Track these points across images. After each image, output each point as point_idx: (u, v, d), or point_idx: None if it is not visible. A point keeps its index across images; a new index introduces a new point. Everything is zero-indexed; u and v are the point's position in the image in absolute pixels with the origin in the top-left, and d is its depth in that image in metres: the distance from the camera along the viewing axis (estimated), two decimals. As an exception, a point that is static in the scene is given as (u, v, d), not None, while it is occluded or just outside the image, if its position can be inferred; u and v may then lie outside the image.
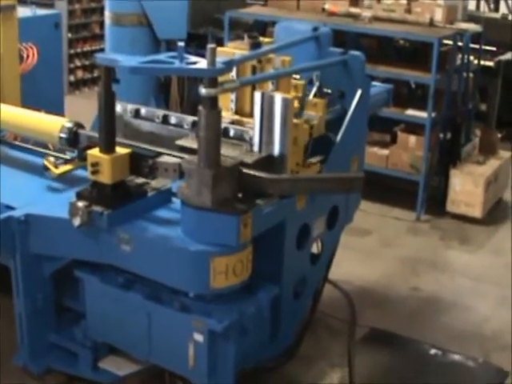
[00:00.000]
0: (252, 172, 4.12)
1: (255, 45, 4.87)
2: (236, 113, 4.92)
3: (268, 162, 4.28)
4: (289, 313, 4.85)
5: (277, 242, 4.58)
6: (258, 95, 4.32)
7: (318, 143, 4.92)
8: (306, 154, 4.68)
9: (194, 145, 4.38)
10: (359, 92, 5.16)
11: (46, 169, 4.85)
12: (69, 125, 4.79)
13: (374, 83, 6.15)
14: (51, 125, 4.89)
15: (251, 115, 4.83)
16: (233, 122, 4.75)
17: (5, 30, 5.99)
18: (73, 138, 4.76)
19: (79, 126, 4.80)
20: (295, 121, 4.43)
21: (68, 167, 4.84)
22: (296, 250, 4.77)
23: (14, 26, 6.12)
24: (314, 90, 5.10)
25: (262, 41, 5.00)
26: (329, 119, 5.09)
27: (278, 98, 4.28)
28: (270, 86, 4.63)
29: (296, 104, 4.55)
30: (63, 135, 4.77)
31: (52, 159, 4.86)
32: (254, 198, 4.19)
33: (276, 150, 4.34)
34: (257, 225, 4.15)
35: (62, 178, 4.83)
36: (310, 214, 4.85)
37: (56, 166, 4.81)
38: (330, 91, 5.22)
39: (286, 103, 4.26)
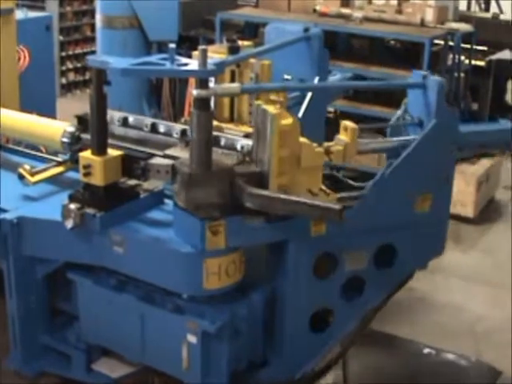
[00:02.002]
0: (238, 182, 4.03)
1: (233, 49, 4.85)
2: (215, 118, 4.85)
3: (258, 178, 4.09)
4: (303, 345, 4.52)
5: (279, 261, 4.39)
6: (254, 106, 4.20)
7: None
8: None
9: (182, 154, 4.38)
10: (433, 122, 4.44)
11: (22, 177, 4.72)
12: (70, 129, 4.78)
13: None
14: (52, 129, 4.86)
15: (230, 121, 4.81)
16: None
17: (3, 33, 5.96)
18: (75, 143, 4.74)
19: (81, 130, 4.75)
20: (303, 141, 4.10)
21: (45, 175, 4.78)
22: (313, 277, 4.42)
23: (12, 30, 6.11)
24: (399, 113, 4.79)
25: (242, 44, 4.98)
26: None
27: (267, 111, 4.02)
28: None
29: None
30: (65, 140, 4.76)
31: (27, 167, 4.75)
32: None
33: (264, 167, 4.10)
34: (238, 236, 4.05)
35: (55, 179, 4.83)
36: (337, 244, 4.37)
37: (32, 174, 4.75)
38: (411, 117, 4.71)
39: (270, 117, 3.99)
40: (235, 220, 4.04)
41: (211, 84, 4.34)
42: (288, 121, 4.03)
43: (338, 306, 4.54)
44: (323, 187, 4.22)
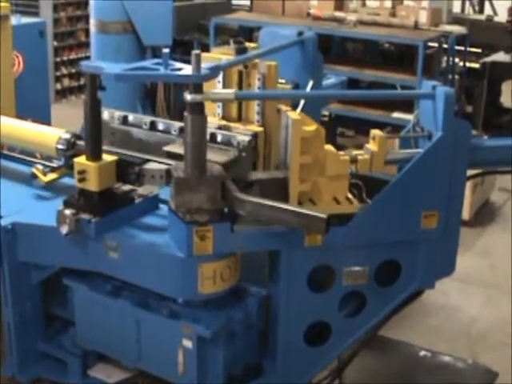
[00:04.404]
0: (229, 187, 4.00)
1: (241, 50, 4.86)
2: (223, 118, 4.90)
3: (282, 185, 4.09)
4: (298, 357, 4.44)
5: (274, 269, 4.39)
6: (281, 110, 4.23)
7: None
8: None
9: (181, 150, 4.37)
10: (438, 135, 4.15)
11: (35, 177, 4.82)
12: (66, 136, 4.77)
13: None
14: (48, 136, 4.85)
15: (238, 120, 4.82)
16: (220, 128, 4.72)
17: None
18: (71, 149, 4.73)
19: (77, 136, 4.75)
20: (328, 148, 4.07)
21: (56, 174, 4.84)
22: (308, 289, 4.30)
23: (8, 36, 6.10)
24: (410, 126, 4.56)
25: (248, 46, 4.99)
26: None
27: (289, 116, 4.05)
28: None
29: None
30: (60, 146, 4.75)
31: (40, 167, 4.84)
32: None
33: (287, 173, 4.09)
34: (226, 243, 4.04)
35: (50, 185, 4.83)
36: (334, 257, 4.27)
37: (44, 174, 4.80)
38: (421, 129, 4.44)
39: (292, 123, 4.00)
40: (223, 226, 4.02)
41: (219, 84, 4.64)
42: (311, 127, 4.02)
43: (336, 321, 4.43)
44: (350, 196, 4.17)
